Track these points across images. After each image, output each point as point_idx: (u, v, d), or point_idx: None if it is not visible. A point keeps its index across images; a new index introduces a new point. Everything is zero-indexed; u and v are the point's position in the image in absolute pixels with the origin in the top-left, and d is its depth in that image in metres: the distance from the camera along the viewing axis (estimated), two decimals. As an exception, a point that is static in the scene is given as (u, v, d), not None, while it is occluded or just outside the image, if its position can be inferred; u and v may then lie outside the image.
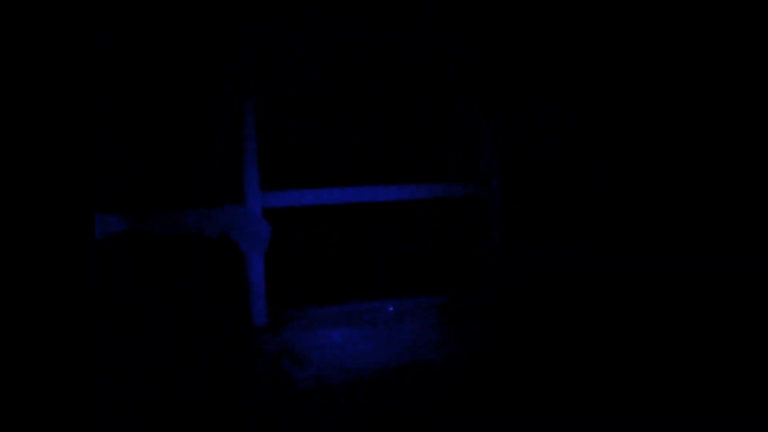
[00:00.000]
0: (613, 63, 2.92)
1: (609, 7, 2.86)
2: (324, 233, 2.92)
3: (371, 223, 2.98)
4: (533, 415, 2.30)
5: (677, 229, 2.91)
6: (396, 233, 3.02)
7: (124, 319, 2.57)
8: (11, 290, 1.49)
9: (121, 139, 2.52)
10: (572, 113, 2.96)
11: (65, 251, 1.54)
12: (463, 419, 2.29)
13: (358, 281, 3.03)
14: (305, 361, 2.60)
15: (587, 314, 3.00)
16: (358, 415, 2.30)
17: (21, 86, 1.51)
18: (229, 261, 2.71)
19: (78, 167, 1.56)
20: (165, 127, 2.59)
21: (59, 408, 1.52)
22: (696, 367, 2.62)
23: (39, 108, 1.52)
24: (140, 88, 2.47)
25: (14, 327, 1.49)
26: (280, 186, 2.85)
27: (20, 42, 1.51)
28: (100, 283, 2.57)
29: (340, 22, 2.61)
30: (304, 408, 2.32)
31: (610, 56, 2.91)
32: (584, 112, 2.96)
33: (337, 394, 2.41)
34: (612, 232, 2.99)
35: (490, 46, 2.77)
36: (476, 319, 2.97)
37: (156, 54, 2.45)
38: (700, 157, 2.86)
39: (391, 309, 2.92)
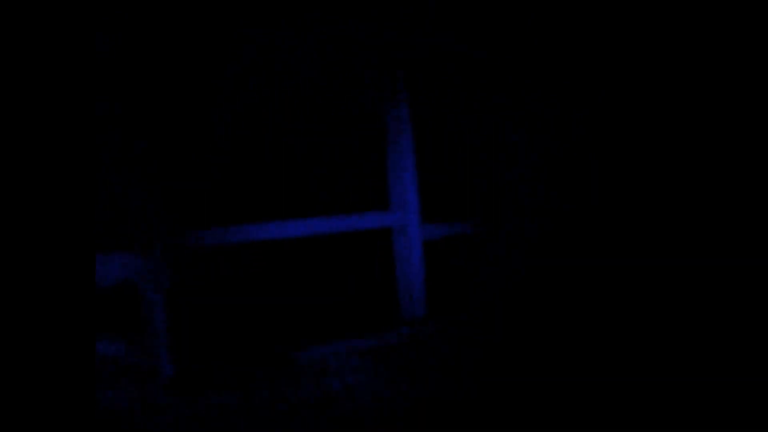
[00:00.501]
0: (613, 63, 2.92)
1: (609, 7, 2.86)
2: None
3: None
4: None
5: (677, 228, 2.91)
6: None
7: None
8: (10, 289, 1.49)
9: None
10: (572, 113, 2.96)
11: (62, 251, 1.54)
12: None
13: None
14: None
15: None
16: None
17: (20, 86, 1.51)
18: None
19: (75, 167, 1.56)
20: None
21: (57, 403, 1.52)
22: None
23: (38, 109, 1.52)
24: (140, 88, 2.47)
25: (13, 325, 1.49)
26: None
27: (20, 42, 1.51)
28: None
29: (340, 22, 2.61)
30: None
31: (610, 57, 2.91)
32: (584, 112, 2.96)
33: None
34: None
35: (490, 46, 2.77)
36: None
37: (156, 54, 2.45)
38: (700, 157, 2.86)
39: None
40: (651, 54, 2.90)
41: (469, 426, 2.05)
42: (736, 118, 2.79)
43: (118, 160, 2.46)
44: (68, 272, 1.56)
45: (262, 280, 2.81)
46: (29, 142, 1.53)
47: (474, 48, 2.77)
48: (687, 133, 2.88)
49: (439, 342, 2.80)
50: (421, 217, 2.76)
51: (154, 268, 2.42)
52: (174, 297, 2.47)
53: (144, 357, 2.58)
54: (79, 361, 1.56)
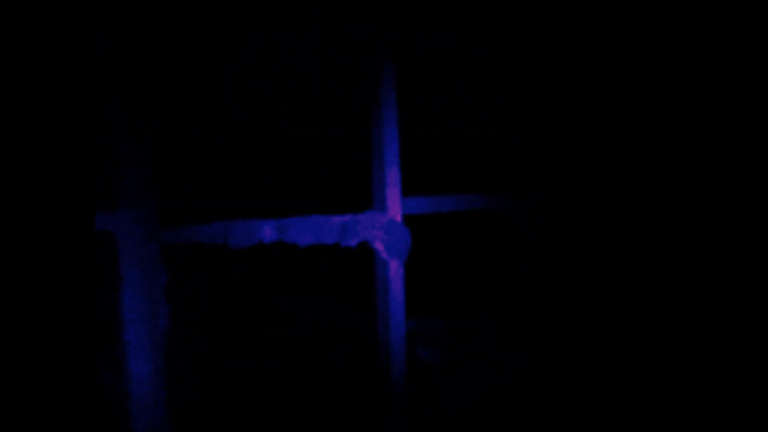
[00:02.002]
0: (613, 63, 2.93)
1: (609, 7, 2.87)
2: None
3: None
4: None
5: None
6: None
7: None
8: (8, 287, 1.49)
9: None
10: (572, 113, 2.96)
11: (62, 252, 1.54)
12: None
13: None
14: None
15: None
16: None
17: (20, 86, 1.51)
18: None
19: (75, 168, 1.56)
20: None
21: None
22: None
23: (38, 108, 1.52)
24: (140, 88, 2.48)
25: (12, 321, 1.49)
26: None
27: (19, 42, 1.51)
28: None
29: (340, 22, 2.61)
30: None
31: (610, 57, 2.92)
32: (584, 112, 2.97)
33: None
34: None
35: (490, 46, 2.77)
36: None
37: (155, 54, 2.45)
38: (700, 157, 2.86)
39: None
40: (651, 54, 2.90)
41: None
42: (738, 118, 2.80)
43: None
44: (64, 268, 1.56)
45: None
46: (28, 142, 1.53)
47: (474, 48, 2.77)
48: (687, 133, 2.88)
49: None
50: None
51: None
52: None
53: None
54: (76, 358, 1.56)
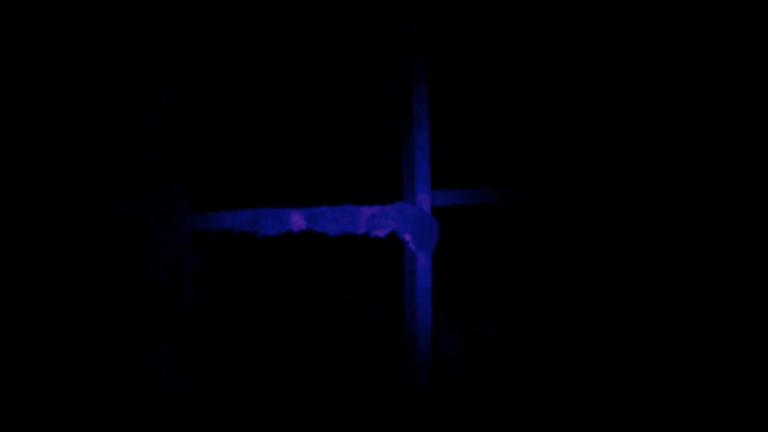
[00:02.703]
0: (613, 63, 2.91)
1: (609, 7, 2.85)
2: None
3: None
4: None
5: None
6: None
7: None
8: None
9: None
10: (572, 113, 2.94)
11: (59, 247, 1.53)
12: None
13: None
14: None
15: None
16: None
17: (21, 86, 1.51)
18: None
19: (74, 165, 1.55)
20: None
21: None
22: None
23: (38, 107, 1.51)
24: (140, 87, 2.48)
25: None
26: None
27: (19, 41, 1.51)
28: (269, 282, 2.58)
29: (340, 22, 2.61)
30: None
31: (610, 56, 2.90)
32: (584, 112, 2.95)
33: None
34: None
35: (490, 46, 2.76)
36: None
37: (156, 54, 2.45)
38: (700, 155, 2.84)
39: None
40: (649, 53, 2.88)
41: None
42: (739, 115, 2.77)
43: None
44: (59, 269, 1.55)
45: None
46: (28, 141, 1.53)
47: (474, 48, 2.77)
48: (688, 132, 2.86)
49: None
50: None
51: (421, 222, 2.48)
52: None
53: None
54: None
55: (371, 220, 2.59)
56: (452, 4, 2.71)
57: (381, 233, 2.59)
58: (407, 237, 2.62)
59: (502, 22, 2.75)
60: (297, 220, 2.51)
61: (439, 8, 2.74)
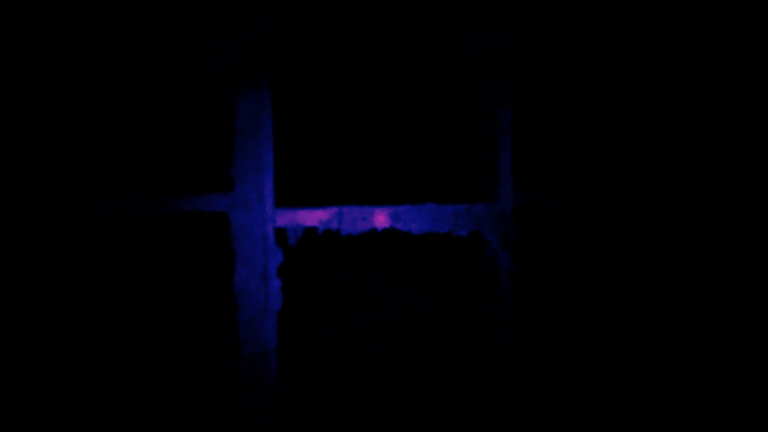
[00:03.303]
0: (611, 62, 2.86)
1: (608, 6, 2.82)
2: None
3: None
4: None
5: None
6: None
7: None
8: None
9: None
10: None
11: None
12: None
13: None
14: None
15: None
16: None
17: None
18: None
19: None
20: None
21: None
22: None
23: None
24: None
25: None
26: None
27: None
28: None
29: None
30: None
31: (610, 56, 2.86)
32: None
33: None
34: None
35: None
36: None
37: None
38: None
39: None
40: (650, 53, 2.82)
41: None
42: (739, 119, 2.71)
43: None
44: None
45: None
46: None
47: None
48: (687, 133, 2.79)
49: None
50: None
51: (504, 222, 2.50)
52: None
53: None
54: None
55: (455, 218, 2.57)
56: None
57: (464, 232, 2.56)
58: (490, 237, 2.59)
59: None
60: (381, 218, 2.50)
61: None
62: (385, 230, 2.55)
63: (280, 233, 2.44)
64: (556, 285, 2.84)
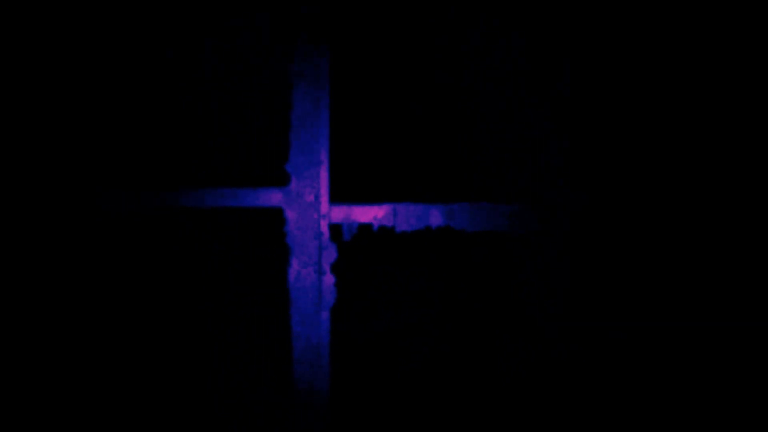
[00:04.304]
0: (612, 61, 2.79)
1: (608, 6, 2.76)
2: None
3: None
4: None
5: None
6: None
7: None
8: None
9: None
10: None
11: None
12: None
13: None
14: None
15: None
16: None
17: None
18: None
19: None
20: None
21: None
22: None
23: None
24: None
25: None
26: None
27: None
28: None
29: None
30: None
31: (610, 55, 2.79)
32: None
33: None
34: None
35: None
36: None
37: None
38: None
39: None
40: (650, 52, 2.75)
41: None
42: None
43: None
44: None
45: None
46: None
47: None
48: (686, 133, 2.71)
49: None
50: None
51: (555, 223, 2.50)
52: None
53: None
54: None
55: (509, 218, 2.55)
56: None
57: (520, 231, 2.54)
58: (543, 239, 2.57)
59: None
60: (435, 216, 2.49)
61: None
62: (439, 228, 2.54)
63: (335, 229, 2.45)
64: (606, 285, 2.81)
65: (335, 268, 2.44)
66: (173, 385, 2.39)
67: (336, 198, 2.55)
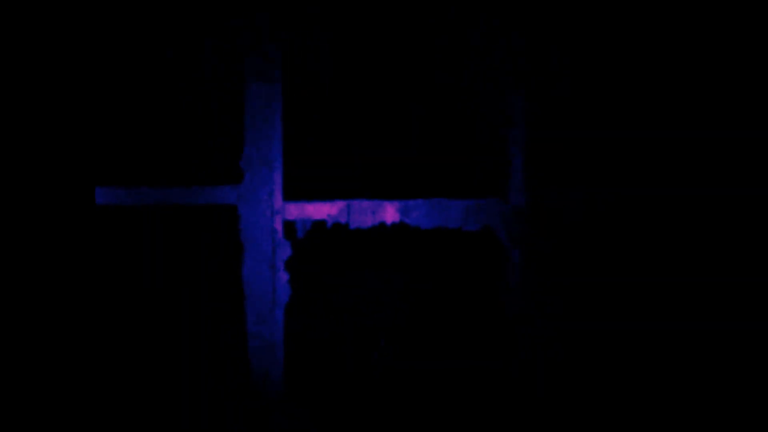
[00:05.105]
0: (611, 61, 2.83)
1: (607, 6, 2.79)
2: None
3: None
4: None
5: None
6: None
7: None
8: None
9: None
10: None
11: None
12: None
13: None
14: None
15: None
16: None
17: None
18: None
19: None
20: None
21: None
22: None
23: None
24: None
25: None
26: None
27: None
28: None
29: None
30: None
31: (609, 55, 2.82)
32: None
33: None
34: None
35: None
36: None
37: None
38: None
39: None
40: (649, 52, 2.78)
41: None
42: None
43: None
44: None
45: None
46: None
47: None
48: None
49: None
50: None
51: (515, 218, 2.50)
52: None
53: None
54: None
55: (465, 214, 2.55)
56: None
57: (474, 228, 2.55)
58: (501, 233, 2.57)
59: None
60: (390, 213, 2.49)
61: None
62: (394, 224, 2.54)
63: (289, 226, 2.44)
64: (566, 282, 2.82)
65: (289, 266, 2.43)
66: (133, 376, 2.37)
67: (291, 196, 2.54)
